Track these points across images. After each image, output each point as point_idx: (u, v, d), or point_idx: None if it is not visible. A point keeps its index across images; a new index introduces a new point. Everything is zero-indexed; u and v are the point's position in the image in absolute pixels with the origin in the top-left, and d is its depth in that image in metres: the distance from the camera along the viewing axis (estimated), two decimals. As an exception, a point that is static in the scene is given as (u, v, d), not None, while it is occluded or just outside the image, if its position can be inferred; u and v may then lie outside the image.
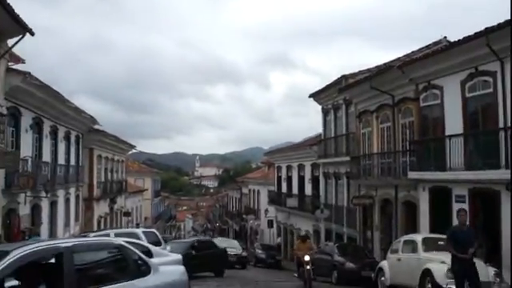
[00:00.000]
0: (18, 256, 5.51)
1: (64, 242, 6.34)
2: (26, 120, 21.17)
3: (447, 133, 16.87)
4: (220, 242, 29.93)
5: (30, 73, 18.94)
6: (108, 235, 15.50)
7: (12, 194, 19.20)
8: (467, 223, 9.71)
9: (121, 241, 7.34)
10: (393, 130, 21.40)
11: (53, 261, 6.15)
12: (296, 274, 19.10)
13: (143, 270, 6.79)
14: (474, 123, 16.01)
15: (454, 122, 16.62)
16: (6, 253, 5.51)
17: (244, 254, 31.66)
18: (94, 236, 14.73)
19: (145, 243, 13.55)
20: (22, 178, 18.86)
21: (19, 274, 5.82)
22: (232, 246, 30.53)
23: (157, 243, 16.12)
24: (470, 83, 16.01)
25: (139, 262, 6.88)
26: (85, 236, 16.09)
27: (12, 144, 19.84)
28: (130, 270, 6.65)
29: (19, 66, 20.48)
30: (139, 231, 17.50)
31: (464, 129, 16.13)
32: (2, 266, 5.30)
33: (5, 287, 5.87)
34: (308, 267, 16.35)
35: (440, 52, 17.63)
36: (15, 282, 6.02)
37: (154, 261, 7.48)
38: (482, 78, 15.53)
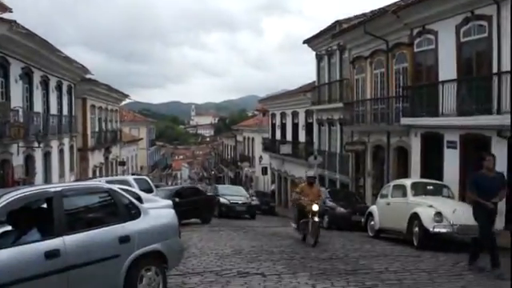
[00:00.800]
0: (9, 201, 5.64)
1: (53, 186, 6.44)
2: (15, 70, 20.86)
3: (441, 79, 16.74)
4: (225, 189, 29.15)
5: (15, 21, 18.49)
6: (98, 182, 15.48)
7: (4, 144, 19.17)
8: (495, 169, 9.16)
9: (110, 185, 7.43)
10: (386, 76, 21.25)
11: (43, 205, 6.27)
12: (294, 225, 14.49)
13: (133, 213, 6.89)
14: (467, 69, 15.85)
15: (447, 68, 16.47)
16: None
17: (253, 202, 27.85)
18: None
19: (136, 190, 13.66)
20: (13, 129, 18.77)
21: (11, 218, 5.94)
22: (238, 194, 27.69)
23: (149, 190, 16.26)
24: (465, 28, 15.73)
25: (129, 205, 6.98)
26: None
27: (1, 95, 19.66)
28: (120, 214, 6.75)
29: (6, 15, 20.02)
30: (130, 178, 17.51)
31: (457, 74, 15.99)
32: None
33: None
34: (316, 219, 12.97)
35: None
36: (7, 228, 6.12)
37: (144, 205, 7.54)
38: (477, 23, 15.24)
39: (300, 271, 9.11)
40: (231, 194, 27.22)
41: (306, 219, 13.18)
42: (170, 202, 12.92)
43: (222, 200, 25.68)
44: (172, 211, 8.01)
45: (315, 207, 12.96)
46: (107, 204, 6.87)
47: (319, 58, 31.31)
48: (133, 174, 43.88)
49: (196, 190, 24.49)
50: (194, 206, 20.23)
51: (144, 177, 21.02)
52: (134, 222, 6.75)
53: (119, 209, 6.80)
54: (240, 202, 25.99)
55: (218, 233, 17.26)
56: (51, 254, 5.64)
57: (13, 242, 5.72)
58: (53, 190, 6.21)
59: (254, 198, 29.93)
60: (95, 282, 6.16)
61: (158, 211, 8.03)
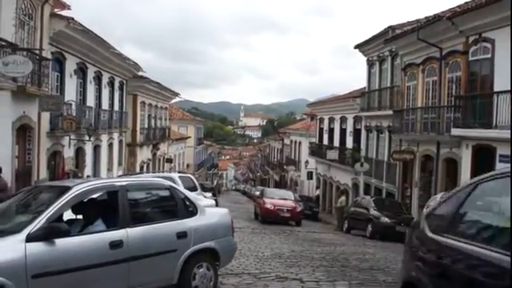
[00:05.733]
0: (79, 191, 6.09)
1: (119, 180, 6.98)
2: (71, 65, 21.52)
3: (496, 89, 16.13)
4: (272, 193, 26.76)
5: (73, 18, 19.11)
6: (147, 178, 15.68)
7: (57, 136, 19.79)
8: None
9: (170, 182, 7.68)
10: (438, 85, 20.68)
11: (109, 198, 6.69)
12: None
13: (190, 210, 7.23)
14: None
15: (503, 78, 15.78)
16: (68, 188, 6.09)
17: (299, 207, 24.90)
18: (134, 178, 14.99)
19: (180, 188, 13.76)
20: (66, 122, 19.36)
21: (79, 208, 6.43)
22: (286, 198, 25.43)
23: (193, 188, 16.33)
24: (524, 37, 15.12)
25: (187, 203, 7.29)
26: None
27: (57, 88, 20.30)
28: (179, 210, 7.09)
29: (64, 12, 20.64)
30: (175, 176, 17.57)
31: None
32: (65, 200, 5.89)
33: (63, 219, 6.29)
34: None
35: (494, 2, 16.63)
36: (72, 216, 6.61)
37: (200, 204, 7.73)
38: (536, 32, 14.63)
39: (339, 279, 8.95)
40: (278, 198, 24.99)
41: None
42: (213, 202, 12.96)
43: (267, 204, 23.74)
44: (226, 210, 8.31)
45: None
46: (167, 200, 7.22)
47: (370, 64, 30.85)
48: (179, 172, 44.69)
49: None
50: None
51: (188, 175, 21.09)
52: (191, 219, 7.09)
53: (178, 205, 7.14)
54: (285, 208, 23.58)
55: (259, 235, 17.25)
56: (115, 245, 5.99)
57: (80, 231, 6.17)
58: (118, 184, 6.62)
59: (300, 203, 27.54)
60: (153, 274, 6.45)
61: (213, 210, 8.42)
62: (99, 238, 6.00)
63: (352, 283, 8.68)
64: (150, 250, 6.38)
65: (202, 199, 13.35)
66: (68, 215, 6.54)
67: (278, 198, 24.77)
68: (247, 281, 8.61)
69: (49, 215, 5.65)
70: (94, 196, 6.66)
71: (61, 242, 5.54)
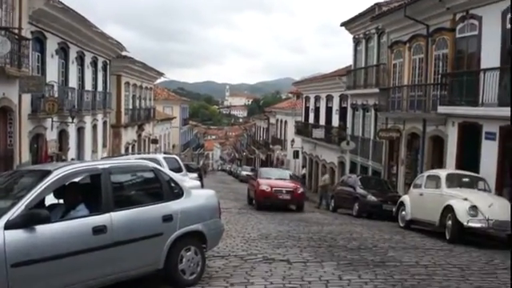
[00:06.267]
0: (60, 175, 5.89)
1: (102, 163, 6.70)
2: (52, 45, 20.98)
3: (482, 67, 16.05)
4: (268, 173, 23.16)
5: (52, -5, 18.58)
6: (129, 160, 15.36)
7: (38, 118, 19.37)
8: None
9: (154, 164, 7.50)
10: (425, 62, 20.58)
11: (91, 182, 6.50)
12: None
13: (176, 193, 7.06)
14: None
15: (490, 56, 15.75)
16: (49, 172, 5.89)
17: (301, 188, 21.22)
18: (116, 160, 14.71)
19: (166, 169, 13.59)
20: (48, 103, 18.93)
21: (60, 192, 6.24)
22: (285, 178, 22.13)
23: (178, 170, 16.11)
24: (512, 13, 15.01)
25: (172, 185, 7.12)
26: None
27: (38, 69, 19.82)
28: (164, 193, 6.91)
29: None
30: (160, 157, 17.27)
31: (501, 63, 15.26)
32: (45, 185, 5.69)
33: (45, 205, 6.11)
34: None
35: (480, -21, 16.51)
36: (55, 200, 6.42)
37: (186, 185, 7.58)
38: (524, 9, 14.52)
39: (327, 260, 8.89)
40: (275, 178, 21.63)
41: None
42: (198, 183, 12.80)
43: (262, 186, 20.38)
44: (213, 192, 8.14)
45: None
46: (152, 183, 7.02)
47: (356, 42, 30.64)
48: (165, 153, 44.47)
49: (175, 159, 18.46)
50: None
51: (173, 156, 20.74)
52: (176, 202, 6.93)
53: (163, 188, 6.95)
54: (284, 190, 20.25)
55: (245, 215, 17.19)
56: (98, 230, 5.82)
57: (62, 216, 5.97)
58: (101, 166, 6.42)
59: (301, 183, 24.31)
60: (138, 259, 6.33)
61: (199, 191, 8.20)
62: (82, 223, 5.82)
63: (340, 263, 8.62)
64: (134, 235, 6.22)
65: (187, 180, 13.16)
66: (50, 200, 6.35)
67: (275, 179, 21.39)
68: (234, 263, 8.51)
69: (28, 201, 5.46)
70: (76, 180, 6.43)
71: (41, 229, 5.37)
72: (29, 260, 5.17)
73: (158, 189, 6.95)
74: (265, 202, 20.05)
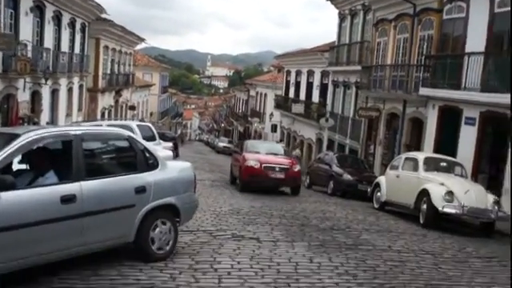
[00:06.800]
0: (29, 140, 5.54)
1: (74, 129, 6.29)
2: (26, 2, 20.16)
3: (467, 50, 15.85)
4: (256, 146, 18.51)
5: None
6: (100, 126, 14.81)
7: (9, 78, 18.70)
8: None
9: (129, 133, 7.14)
10: (409, 42, 20.30)
11: (61, 148, 6.14)
12: None
13: (151, 163, 6.76)
14: (498, 42, 14.92)
15: (476, 40, 15.53)
16: (17, 135, 5.54)
17: (297, 166, 16.89)
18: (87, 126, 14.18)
19: (138, 137, 13.15)
20: (20, 63, 18.24)
21: (28, 158, 5.95)
22: (277, 153, 17.80)
23: (151, 138, 15.65)
24: (501, -3, 14.74)
25: (147, 155, 6.78)
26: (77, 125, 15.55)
27: (10, 27, 19.03)
28: (138, 163, 6.63)
29: None
30: (133, 124, 16.68)
31: (486, 47, 15.06)
32: (13, 149, 5.36)
33: (13, 169, 5.80)
34: None
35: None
36: (23, 166, 6.08)
37: (161, 156, 7.21)
38: (513, -7, 14.23)
39: (298, 240, 8.66)
40: (265, 152, 17.49)
41: None
42: (170, 154, 12.38)
43: (249, 162, 16.15)
44: (189, 164, 7.80)
45: None
46: (126, 152, 6.75)
47: (342, 18, 30.19)
48: (142, 120, 43.77)
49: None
50: None
51: (147, 123, 20.09)
52: (151, 173, 6.63)
53: (138, 158, 6.66)
54: (277, 167, 16.13)
55: (219, 188, 16.86)
56: (67, 199, 5.54)
57: (28, 184, 5.64)
58: (73, 132, 6.04)
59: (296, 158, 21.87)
60: (108, 231, 6.10)
61: (175, 163, 7.82)
62: (49, 191, 5.50)
63: (311, 244, 8.41)
64: (105, 206, 5.94)
65: (160, 150, 12.70)
66: (18, 165, 6.00)
67: (266, 153, 17.35)
68: (202, 239, 8.23)
69: None
70: (46, 145, 5.98)
71: (5, 196, 5.04)
72: None
73: (132, 158, 6.65)
74: (251, 182, 16.07)
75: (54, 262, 5.68)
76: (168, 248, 6.83)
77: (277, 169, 16.10)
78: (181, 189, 7.07)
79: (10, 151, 5.33)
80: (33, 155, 5.89)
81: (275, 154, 17.58)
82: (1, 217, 4.95)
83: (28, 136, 5.56)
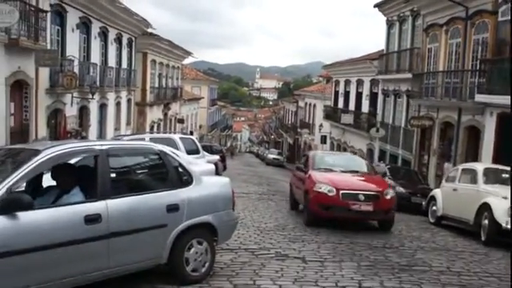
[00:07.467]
0: (49, 156, 5.25)
1: (99, 144, 5.97)
2: (73, 19, 20.43)
3: (526, 52, 14.83)
4: (327, 161, 13.28)
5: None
6: (143, 139, 14.55)
7: (57, 93, 18.92)
8: None
9: (161, 147, 6.73)
10: (463, 47, 19.30)
11: (86, 163, 5.91)
12: None
13: (184, 180, 6.38)
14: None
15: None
16: (37, 152, 5.27)
17: (390, 192, 11.54)
18: (129, 139, 13.98)
19: (181, 151, 12.87)
20: (66, 78, 18.41)
21: (52, 174, 5.70)
22: (358, 171, 12.83)
23: (195, 151, 15.35)
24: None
25: (181, 171, 6.39)
26: (118, 139, 15.43)
27: (57, 43, 19.30)
28: (170, 179, 6.24)
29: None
30: (177, 137, 16.35)
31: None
32: (31, 166, 5.05)
33: (43, 186, 5.74)
34: None
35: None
36: (53, 182, 5.84)
37: (197, 171, 6.82)
38: None
39: (347, 260, 8.03)
40: (341, 170, 12.64)
41: None
42: (212, 167, 11.99)
43: (319, 186, 11.36)
44: (227, 180, 7.30)
45: None
46: (157, 167, 6.41)
47: (390, 24, 29.31)
48: (191, 133, 43.87)
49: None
50: None
51: (190, 136, 19.75)
52: (184, 190, 6.23)
53: (170, 174, 6.26)
54: (362, 193, 11.17)
55: (266, 202, 16.36)
56: (92, 219, 5.22)
57: (52, 202, 5.41)
58: (98, 148, 5.73)
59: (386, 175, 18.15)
60: (138, 253, 5.71)
61: (211, 179, 7.37)
62: (72, 210, 5.16)
63: (361, 265, 7.75)
64: (133, 226, 5.55)
65: (202, 164, 12.32)
66: (48, 182, 5.79)
67: (341, 171, 12.60)
68: (242, 258, 7.75)
69: (9, 184, 4.80)
70: (69, 161, 5.76)
71: (25, 216, 4.73)
72: (9, 251, 4.55)
73: (164, 175, 6.25)
74: (323, 215, 11.37)
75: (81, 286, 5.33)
76: (204, 270, 6.38)
77: (361, 197, 11.10)
78: (218, 206, 6.64)
79: (28, 169, 5.03)
80: (56, 172, 5.64)
81: (355, 172, 12.74)
82: (19, 238, 4.65)
83: (49, 152, 5.28)
